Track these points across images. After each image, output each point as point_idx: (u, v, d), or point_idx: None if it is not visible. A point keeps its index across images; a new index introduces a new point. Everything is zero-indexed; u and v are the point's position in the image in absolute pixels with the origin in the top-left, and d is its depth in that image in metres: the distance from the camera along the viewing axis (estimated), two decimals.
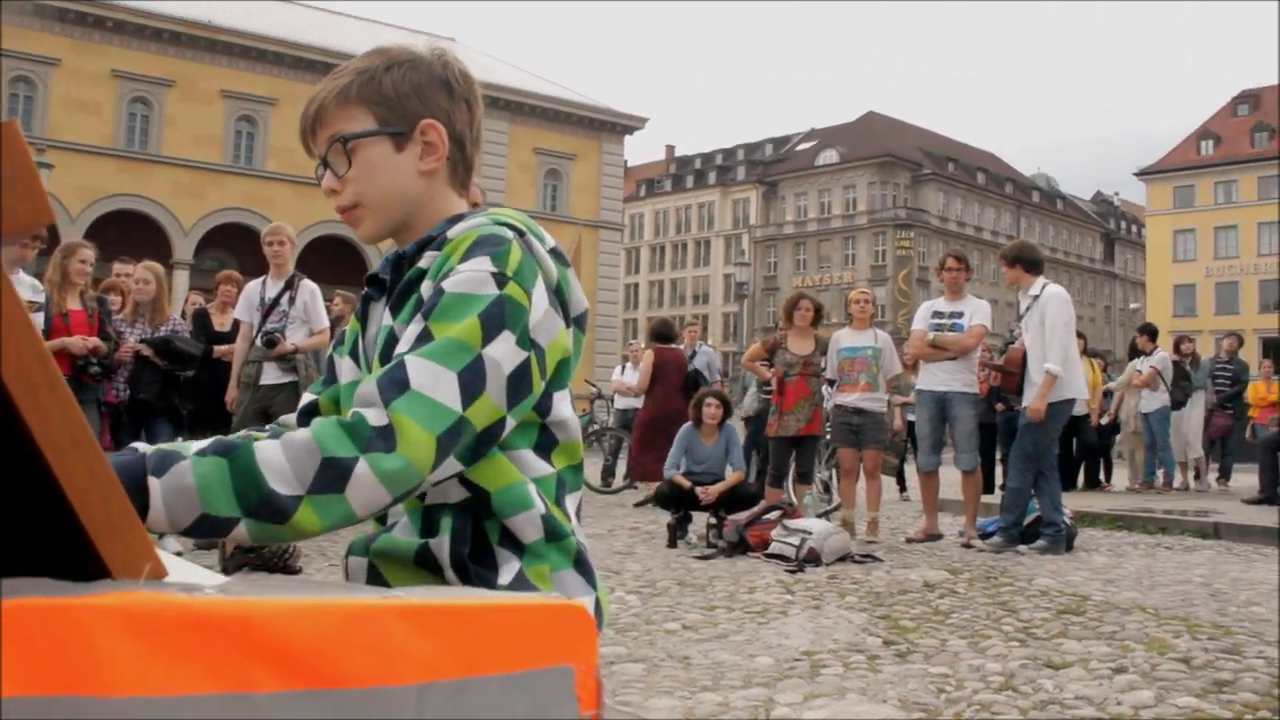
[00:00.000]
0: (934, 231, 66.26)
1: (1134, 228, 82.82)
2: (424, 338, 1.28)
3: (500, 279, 1.32)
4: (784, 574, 6.04)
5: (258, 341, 6.37)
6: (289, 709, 0.69)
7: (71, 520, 0.73)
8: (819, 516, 7.65)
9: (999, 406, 10.32)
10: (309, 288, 6.51)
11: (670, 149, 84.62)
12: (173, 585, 0.70)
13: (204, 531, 1.18)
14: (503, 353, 1.29)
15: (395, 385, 1.23)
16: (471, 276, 1.31)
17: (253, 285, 6.63)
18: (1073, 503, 8.69)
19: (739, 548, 6.84)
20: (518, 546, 1.36)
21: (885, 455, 11.19)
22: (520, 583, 1.34)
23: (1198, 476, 13.00)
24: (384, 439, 1.20)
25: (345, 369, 1.56)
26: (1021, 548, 7.08)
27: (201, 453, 1.20)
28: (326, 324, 6.51)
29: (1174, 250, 59.22)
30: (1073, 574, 6.18)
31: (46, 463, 0.72)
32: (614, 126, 40.85)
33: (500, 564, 1.35)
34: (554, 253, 1.45)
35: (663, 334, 10.71)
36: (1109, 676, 3.77)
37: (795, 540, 6.47)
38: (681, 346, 11.99)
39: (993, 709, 3.34)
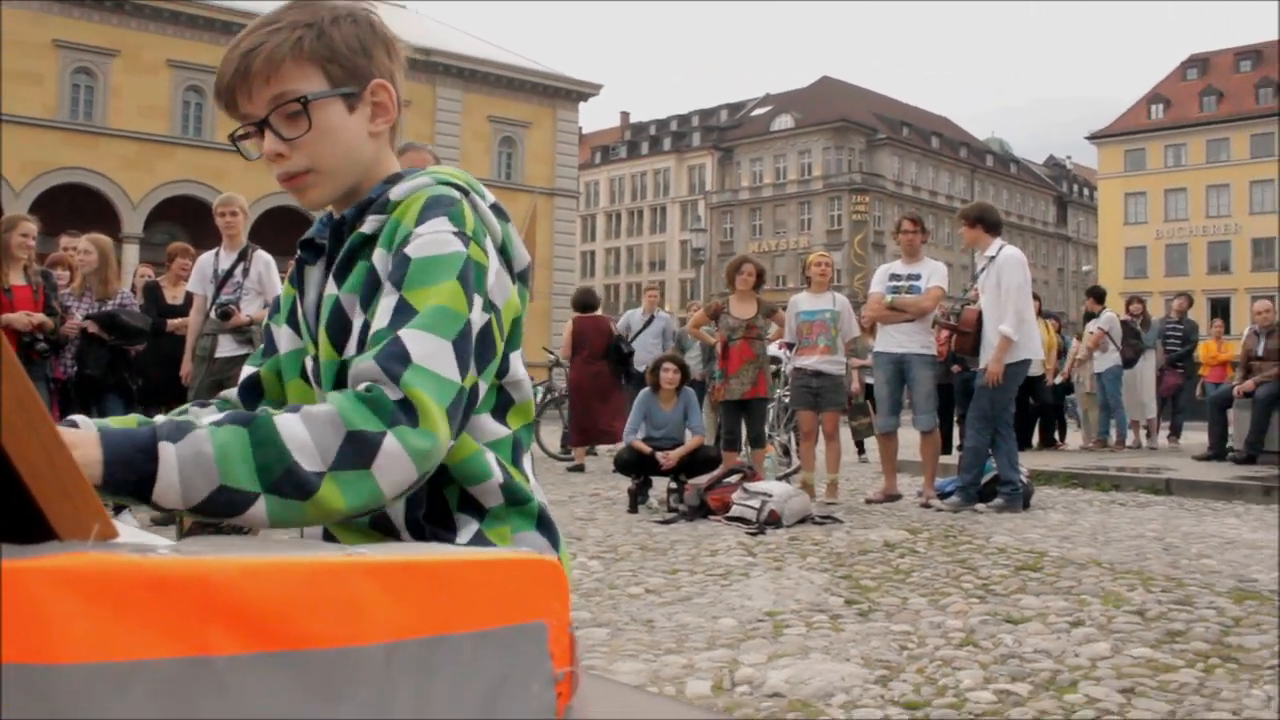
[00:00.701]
0: (889, 196, 66.55)
1: (1086, 191, 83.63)
2: (405, 310, 1.22)
3: (463, 238, 1.28)
4: (745, 536, 6.07)
5: (212, 314, 6.28)
6: (251, 672, 0.66)
7: (14, 482, 0.70)
8: (778, 479, 7.69)
9: (955, 368, 10.40)
10: (263, 259, 6.42)
11: (625, 115, 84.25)
12: (123, 545, 0.66)
13: (219, 507, 1.09)
14: (476, 316, 1.26)
15: (398, 360, 1.17)
16: (435, 239, 1.27)
17: (206, 257, 6.53)
18: (1028, 461, 8.80)
19: (700, 511, 6.87)
20: (478, 511, 1.35)
21: (861, 420, 11.32)
22: (479, 541, 1.32)
23: (1149, 435, 13.20)
24: (407, 413, 1.14)
25: (284, 337, 1.50)
26: (980, 506, 7.15)
27: (217, 422, 1.12)
28: None
29: (1125, 213, 59.90)
30: (1030, 531, 6.26)
31: None
32: (568, 93, 40.57)
33: (459, 527, 1.34)
34: (495, 208, 1.41)
35: (584, 303, 11.28)
36: (1067, 630, 3.83)
37: (756, 503, 6.50)
38: (639, 311, 12.06)
39: (954, 664, 3.38)
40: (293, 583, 0.69)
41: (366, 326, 1.28)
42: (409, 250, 1.26)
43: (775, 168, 69.31)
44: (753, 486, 6.75)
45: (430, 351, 1.19)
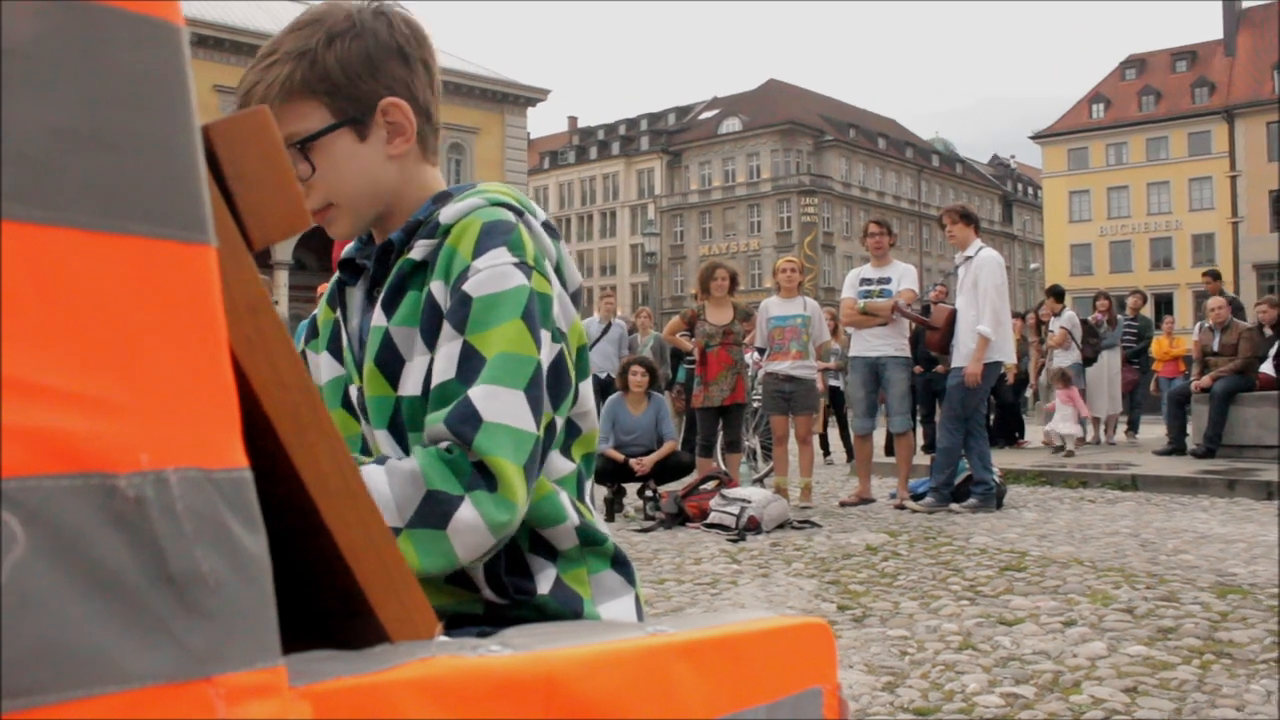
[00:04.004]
0: (837, 197, 67.02)
1: (1030, 189, 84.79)
2: (470, 356, 1.16)
3: (524, 268, 1.20)
4: (726, 543, 6.07)
5: None
6: None
7: (321, 575, 0.65)
8: (752, 484, 7.70)
9: (917, 369, 10.48)
10: None
11: (573, 120, 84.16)
12: (460, 644, 0.62)
13: None
14: (545, 353, 1.20)
15: (469, 421, 1.13)
16: (495, 273, 1.18)
17: None
18: (995, 460, 8.87)
19: (678, 519, 6.86)
20: (551, 552, 1.28)
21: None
22: (560, 589, 1.26)
23: (1108, 430, 13.36)
24: (483, 477, 1.11)
25: (325, 365, 1.41)
26: (954, 506, 7.21)
27: None
28: None
29: (1070, 211, 60.73)
30: (1007, 531, 6.32)
31: (308, 509, 0.63)
32: (516, 99, 40.43)
33: (535, 572, 1.27)
34: (546, 226, 1.33)
35: None
36: (1060, 630, 3.87)
37: (735, 509, 6.51)
38: (595, 319, 11.97)
39: (957, 668, 3.40)
40: (625, 672, 0.65)
41: (431, 365, 1.22)
42: (468, 288, 1.18)
43: (724, 170, 69.55)
44: (730, 493, 6.75)
45: (501, 407, 1.13)
